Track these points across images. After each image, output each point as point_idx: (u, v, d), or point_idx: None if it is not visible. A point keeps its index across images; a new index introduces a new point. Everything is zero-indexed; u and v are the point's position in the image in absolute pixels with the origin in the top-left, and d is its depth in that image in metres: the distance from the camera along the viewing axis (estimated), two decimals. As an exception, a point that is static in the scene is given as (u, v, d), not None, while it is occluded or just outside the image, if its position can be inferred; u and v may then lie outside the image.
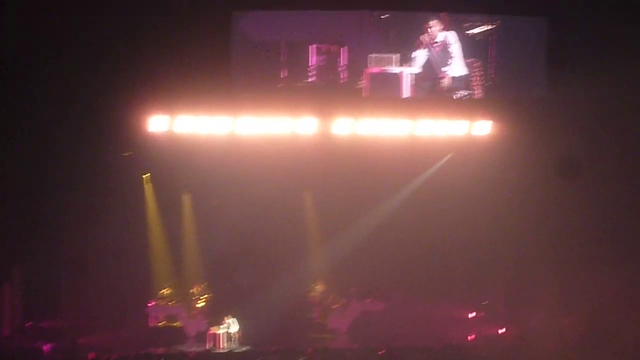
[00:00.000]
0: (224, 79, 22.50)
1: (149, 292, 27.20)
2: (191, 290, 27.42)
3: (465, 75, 23.48)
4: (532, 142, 24.17)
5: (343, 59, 23.25)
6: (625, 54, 22.07)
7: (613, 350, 21.99)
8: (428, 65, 23.42)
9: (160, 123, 23.75)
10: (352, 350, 23.32)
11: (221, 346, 24.19)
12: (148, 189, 27.40)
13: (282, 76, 23.20)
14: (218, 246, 28.18)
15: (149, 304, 26.79)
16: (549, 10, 22.87)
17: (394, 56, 23.11)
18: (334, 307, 27.44)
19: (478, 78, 23.47)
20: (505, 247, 26.67)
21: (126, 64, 21.79)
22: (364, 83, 23.26)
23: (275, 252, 28.23)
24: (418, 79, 23.44)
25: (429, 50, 23.28)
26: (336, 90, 23.41)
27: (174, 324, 26.47)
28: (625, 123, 23.40)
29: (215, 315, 25.50)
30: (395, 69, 23.18)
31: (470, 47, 23.41)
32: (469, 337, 25.28)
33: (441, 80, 23.51)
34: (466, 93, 23.62)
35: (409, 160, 26.00)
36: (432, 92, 23.69)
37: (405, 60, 23.23)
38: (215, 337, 24.31)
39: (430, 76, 23.53)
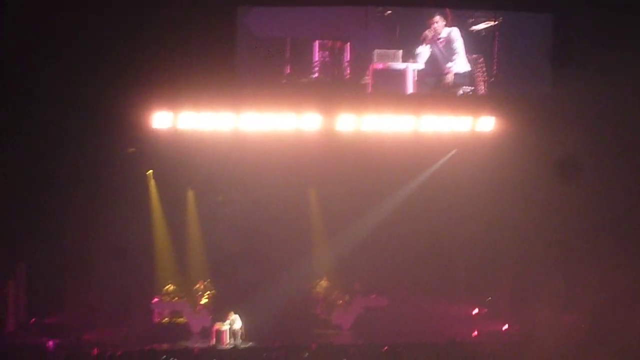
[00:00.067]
0: (228, 75, 22.48)
1: (153, 288, 27.29)
2: (195, 287, 27.42)
3: (469, 71, 23.48)
4: (536, 138, 24.10)
5: (347, 55, 23.26)
6: (629, 51, 21.98)
7: (617, 347, 22.03)
8: (432, 61, 23.41)
9: (164, 119, 23.75)
10: (356, 346, 23.38)
11: (225, 342, 24.21)
12: (152, 185, 27.45)
13: (286, 72, 23.21)
14: (222, 242, 28.23)
15: (153, 300, 26.87)
16: (553, 6, 22.83)
17: (397, 52, 23.12)
18: (338, 303, 27.45)
19: (482, 74, 23.47)
20: (509, 243, 26.65)
21: (130, 60, 21.76)
22: (368, 79, 23.26)
23: (279, 249, 28.22)
24: (422, 75, 23.44)
25: (433, 46, 23.27)
26: (340, 86, 23.42)
27: (179, 320, 26.52)
28: (629, 120, 23.32)
29: (219, 311, 25.53)
30: (399, 65, 23.18)
31: (474, 43, 23.39)
32: (472, 334, 25.33)
33: (445, 77, 23.49)
34: (470, 89, 23.61)
35: (412, 157, 26.02)
36: (436, 88, 23.68)
37: (409, 56, 23.23)
38: (219, 333, 24.35)
39: (434, 72, 23.53)
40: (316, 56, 23.16)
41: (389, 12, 22.94)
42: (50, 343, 23.20)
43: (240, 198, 27.77)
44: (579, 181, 24.10)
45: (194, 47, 21.88)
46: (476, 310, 28.14)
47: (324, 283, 28.45)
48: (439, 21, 23.16)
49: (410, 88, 23.38)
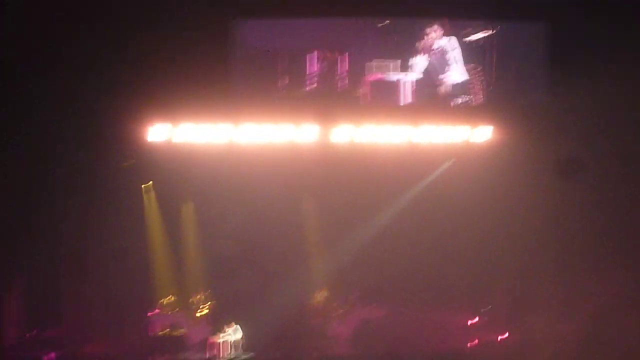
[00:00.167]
0: (223, 87, 22.53)
1: (151, 300, 27.24)
2: (193, 299, 27.42)
3: (465, 81, 23.51)
4: (533, 147, 24.11)
5: (343, 66, 23.29)
6: (625, 59, 22.04)
7: (615, 356, 22.02)
8: (428, 72, 23.45)
9: (160, 132, 23.78)
10: (355, 356, 23.51)
11: (222, 355, 24.20)
12: (148, 198, 27.45)
13: (282, 84, 23.25)
14: (219, 254, 28.19)
15: (152, 313, 26.84)
16: (549, 15, 22.83)
17: (394, 63, 23.16)
18: (336, 313, 27.45)
19: (478, 84, 23.49)
20: (507, 253, 26.59)
21: (125, 73, 21.81)
22: (364, 90, 23.29)
23: (276, 260, 28.12)
24: (418, 85, 23.47)
25: (429, 57, 23.29)
26: (336, 97, 23.46)
27: (178, 332, 26.49)
28: (626, 128, 23.37)
29: (218, 322, 25.53)
30: (395, 76, 23.22)
31: (470, 53, 23.43)
32: (470, 343, 25.31)
33: (442, 87, 23.52)
34: (466, 99, 23.63)
35: (409, 167, 25.92)
36: (432, 99, 23.70)
37: (405, 66, 23.26)
38: (219, 344, 24.34)
39: (430, 82, 23.56)
40: (312, 68, 23.20)
41: (385, 23, 22.97)
42: (50, 356, 23.23)
43: (237, 209, 27.72)
44: (576, 189, 24.14)
45: (190, 59, 21.91)
46: (474, 320, 28.10)
47: (321, 294, 28.41)
48: (435, 31, 23.20)
49: (406, 98, 23.40)
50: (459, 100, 23.68)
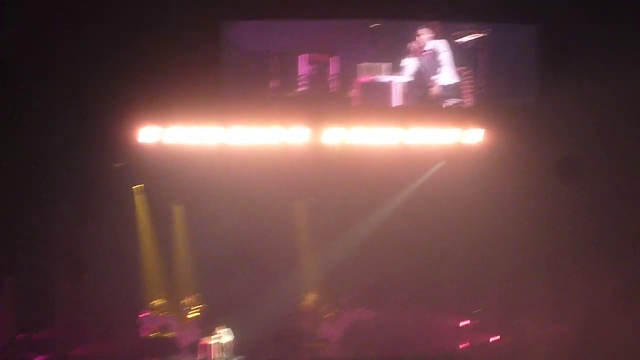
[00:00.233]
0: (214, 89, 22.52)
1: (141, 302, 27.19)
2: (183, 301, 27.39)
3: (456, 83, 23.49)
4: (524, 150, 24.10)
5: (333, 68, 23.27)
6: (616, 62, 22.04)
7: (608, 359, 22.04)
8: (418, 74, 23.43)
9: (151, 134, 23.75)
10: (346, 358, 23.37)
11: (213, 357, 24.15)
12: (139, 200, 27.41)
13: (272, 86, 23.23)
14: (210, 256, 28.10)
15: (142, 315, 26.79)
16: (539, 18, 22.86)
17: (384, 65, 23.15)
18: (326, 316, 27.42)
19: (468, 86, 23.48)
20: (498, 255, 26.56)
21: (116, 75, 21.79)
22: (354, 92, 23.28)
23: (267, 262, 28.08)
24: (408, 87, 23.46)
25: (419, 59, 23.29)
26: (327, 99, 23.43)
27: (167, 335, 26.45)
28: (617, 130, 23.38)
29: (208, 325, 25.46)
30: (385, 78, 23.22)
31: (461, 55, 23.42)
32: (461, 346, 25.31)
33: (432, 89, 23.51)
34: (457, 101, 23.63)
35: (400, 169, 25.91)
36: (423, 101, 23.68)
37: (396, 69, 23.26)
38: (207, 347, 24.28)
39: (420, 85, 23.54)
40: (302, 70, 23.18)
41: (375, 25, 22.98)
42: (39, 359, 23.15)
43: (227, 212, 27.67)
44: (568, 192, 24.14)
45: (180, 61, 21.87)
46: (465, 322, 28.09)
47: (312, 296, 28.42)
48: (425, 33, 23.20)
49: (396, 101, 23.39)
50: (450, 103, 23.66)
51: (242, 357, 24.13)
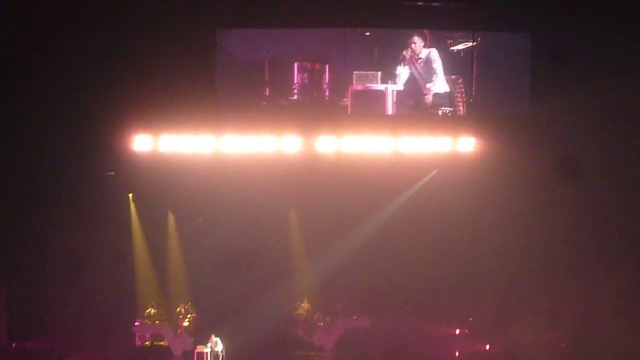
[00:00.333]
0: (207, 97, 22.56)
1: (134, 311, 27.16)
2: (177, 309, 27.37)
3: (448, 92, 23.55)
4: (516, 157, 24.12)
5: (326, 77, 23.35)
6: (607, 70, 22.15)
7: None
8: (411, 82, 23.49)
9: (145, 142, 23.72)
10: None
11: (207, 365, 24.17)
12: (133, 208, 27.40)
13: (266, 94, 23.29)
14: (203, 265, 28.15)
15: (135, 324, 26.77)
16: (531, 26, 22.95)
17: (376, 73, 23.20)
18: (319, 324, 27.44)
19: (461, 95, 23.53)
20: (491, 263, 26.62)
21: (110, 84, 21.84)
22: (347, 100, 23.34)
23: (260, 270, 28.07)
24: (401, 96, 23.51)
25: (412, 67, 23.35)
26: (320, 107, 23.49)
27: (160, 343, 26.44)
28: (609, 136, 23.45)
29: (200, 334, 25.46)
30: (378, 86, 23.26)
31: (453, 63, 23.49)
32: (454, 354, 25.31)
33: (424, 97, 23.56)
34: (449, 110, 23.68)
35: (393, 178, 25.92)
36: (416, 109, 23.73)
37: (388, 77, 23.31)
38: (200, 356, 24.24)
39: (413, 93, 23.60)
40: (295, 78, 23.24)
41: (368, 33, 23.06)
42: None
43: (221, 220, 27.71)
44: (561, 199, 24.20)
45: (174, 70, 21.93)
46: (458, 331, 28.10)
47: (305, 305, 28.37)
48: (417, 42, 23.26)
49: (389, 109, 23.43)
50: (442, 111, 23.71)
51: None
